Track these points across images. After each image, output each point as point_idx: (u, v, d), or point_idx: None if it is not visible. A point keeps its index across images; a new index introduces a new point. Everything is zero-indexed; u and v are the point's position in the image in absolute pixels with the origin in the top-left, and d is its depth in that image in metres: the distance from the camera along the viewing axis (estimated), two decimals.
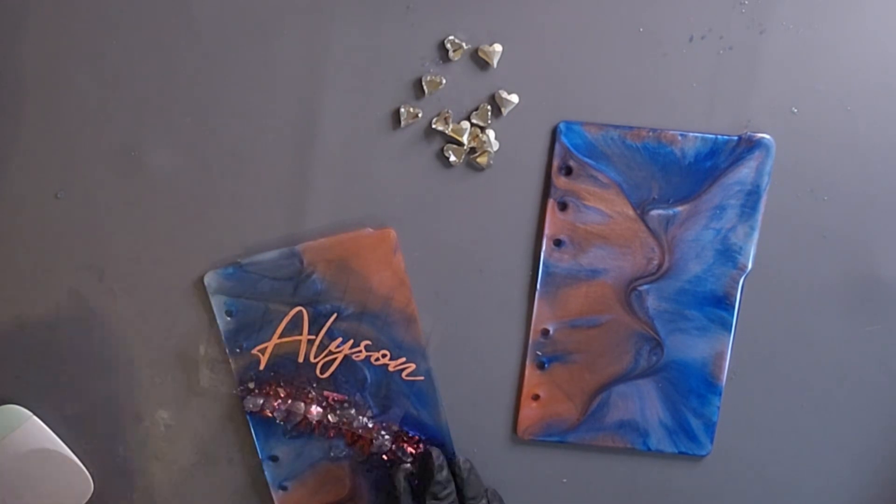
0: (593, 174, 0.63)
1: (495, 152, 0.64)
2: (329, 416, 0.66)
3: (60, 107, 0.63)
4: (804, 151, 0.64)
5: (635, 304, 0.65)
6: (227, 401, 0.67)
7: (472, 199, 0.64)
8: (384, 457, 0.67)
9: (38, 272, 0.65)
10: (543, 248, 0.65)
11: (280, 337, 0.65)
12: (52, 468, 0.66)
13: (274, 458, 0.67)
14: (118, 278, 0.65)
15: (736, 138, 0.63)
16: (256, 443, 0.67)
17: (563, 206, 0.64)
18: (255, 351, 0.66)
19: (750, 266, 0.64)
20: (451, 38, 0.62)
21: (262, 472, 0.68)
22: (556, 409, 0.66)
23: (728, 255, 0.64)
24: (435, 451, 0.64)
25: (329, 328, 0.65)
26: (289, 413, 0.66)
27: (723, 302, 0.65)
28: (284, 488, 0.68)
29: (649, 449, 0.67)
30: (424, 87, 0.63)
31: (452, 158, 0.64)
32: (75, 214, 0.64)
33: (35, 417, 0.66)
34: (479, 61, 0.63)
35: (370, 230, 0.64)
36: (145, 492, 0.69)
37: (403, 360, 0.66)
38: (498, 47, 0.62)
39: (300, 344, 0.66)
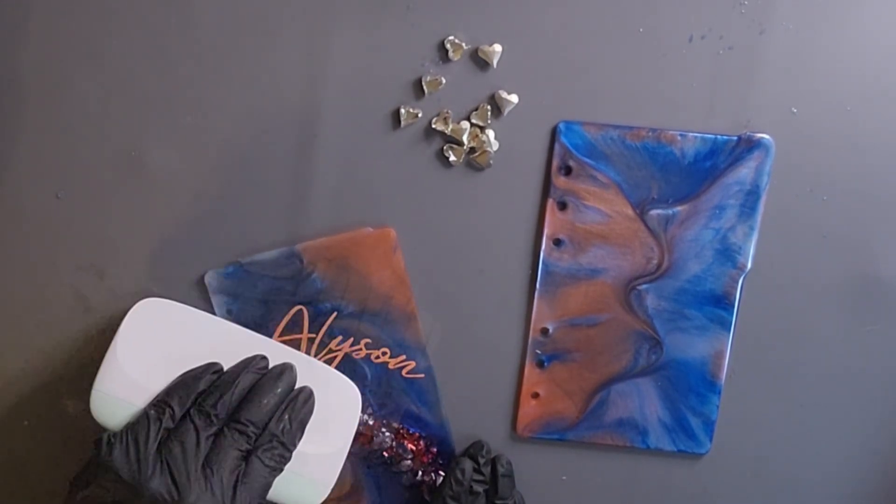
0: (593, 174, 0.63)
1: (495, 152, 0.64)
2: None
3: (60, 107, 0.63)
4: (804, 151, 0.64)
5: (635, 303, 0.65)
6: None
7: (472, 198, 0.64)
8: (385, 454, 0.67)
9: (38, 272, 0.65)
10: (543, 247, 0.65)
11: (280, 335, 0.66)
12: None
13: None
14: (118, 278, 0.65)
15: (735, 138, 0.63)
16: None
17: (562, 206, 0.64)
18: None
19: (749, 266, 0.64)
20: (451, 38, 0.62)
21: None
22: (556, 407, 0.67)
23: (727, 254, 0.64)
24: (468, 464, 0.65)
25: (329, 326, 0.65)
26: None
27: (722, 301, 0.65)
28: None
29: (648, 447, 0.67)
30: (424, 87, 0.63)
31: (452, 158, 0.64)
32: (75, 214, 0.64)
33: None
34: (479, 61, 0.63)
35: (370, 229, 0.64)
36: None
37: (403, 357, 0.66)
38: (498, 47, 0.62)
39: (301, 342, 0.66)
